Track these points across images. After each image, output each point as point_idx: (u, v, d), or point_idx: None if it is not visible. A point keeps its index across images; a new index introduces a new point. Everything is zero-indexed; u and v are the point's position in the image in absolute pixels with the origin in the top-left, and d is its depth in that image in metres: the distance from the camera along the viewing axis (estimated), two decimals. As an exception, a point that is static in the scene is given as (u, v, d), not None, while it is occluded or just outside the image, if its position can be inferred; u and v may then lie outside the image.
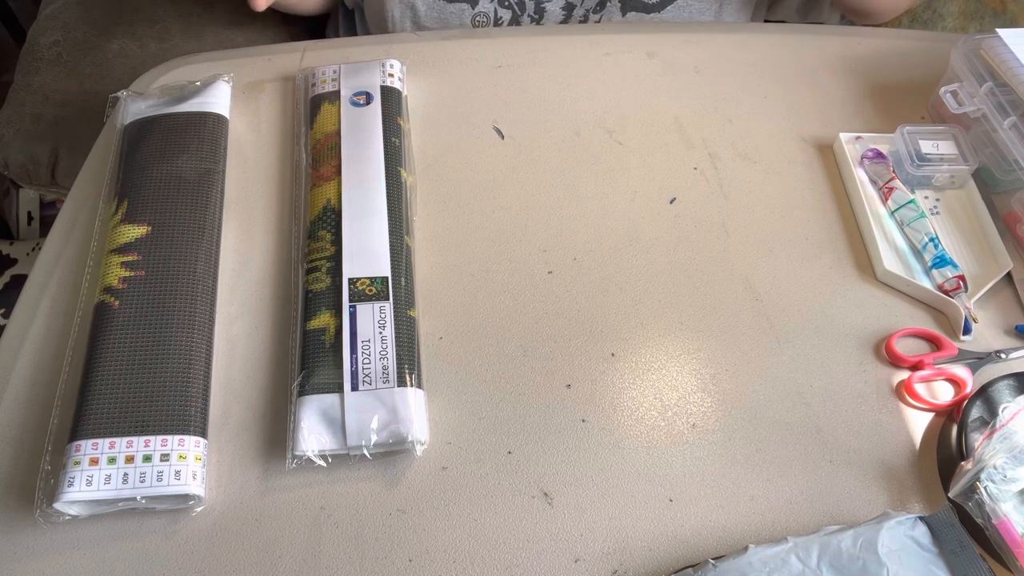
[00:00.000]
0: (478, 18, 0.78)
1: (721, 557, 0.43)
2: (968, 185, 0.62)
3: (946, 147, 0.62)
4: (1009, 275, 0.57)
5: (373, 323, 0.50)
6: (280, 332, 0.53)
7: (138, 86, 0.67)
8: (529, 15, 0.79)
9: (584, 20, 0.80)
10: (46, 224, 1.25)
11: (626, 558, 0.45)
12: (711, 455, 0.49)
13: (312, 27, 1.06)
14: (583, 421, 0.50)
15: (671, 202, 0.61)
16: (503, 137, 0.64)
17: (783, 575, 0.41)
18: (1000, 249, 0.58)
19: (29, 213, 1.25)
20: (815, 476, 0.48)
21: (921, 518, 0.44)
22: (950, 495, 0.45)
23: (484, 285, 0.56)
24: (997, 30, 0.62)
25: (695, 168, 0.63)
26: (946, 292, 0.55)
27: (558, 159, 0.63)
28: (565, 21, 0.80)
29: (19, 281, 1.15)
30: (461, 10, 0.77)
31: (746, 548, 0.43)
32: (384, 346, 0.49)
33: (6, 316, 1.11)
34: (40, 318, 0.53)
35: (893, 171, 0.61)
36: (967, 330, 0.54)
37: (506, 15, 0.78)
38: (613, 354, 0.53)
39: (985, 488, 0.44)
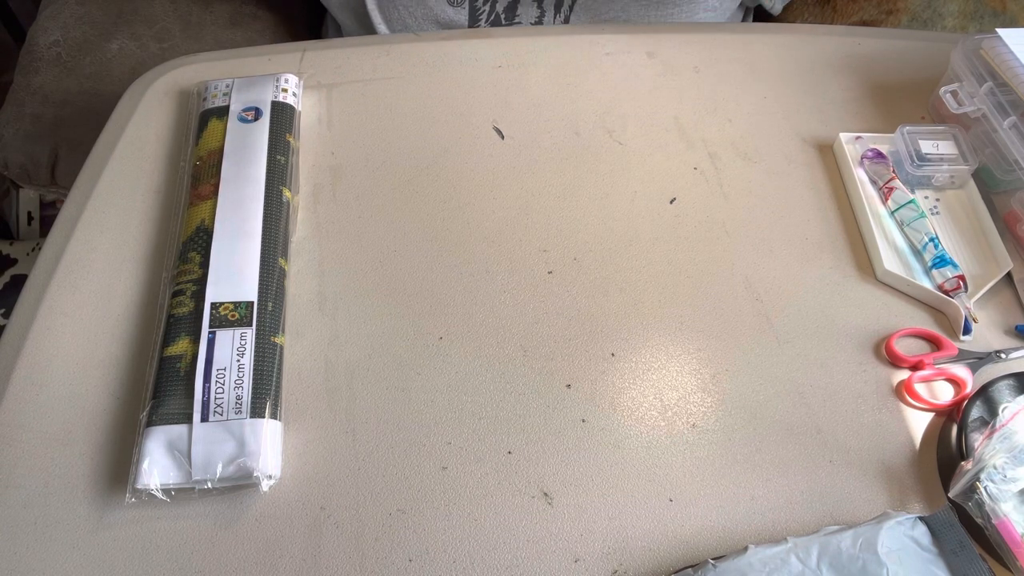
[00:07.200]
0: None
1: (721, 557, 0.43)
2: (968, 185, 0.62)
3: (946, 147, 0.62)
4: (1009, 275, 0.57)
5: (232, 350, 0.48)
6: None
7: (138, 86, 0.67)
8: None
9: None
10: (46, 224, 1.25)
11: (626, 558, 0.45)
12: (711, 455, 0.49)
13: (312, 27, 1.06)
14: (583, 421, 0.50)
15: (671, 202, 0.61)
16: (503, 137, 0.64)
17: (783, 575, 0.41)
18: (1000, 249, 0.58)
19: (29, 213, 1.25)
20: (815, 476, 0.48)
21: (921, 518, 0.44)
22: (950, 495, 0.45)
23: (484, 285, 0.56)
24: (997, 30, 0.62)
25: (695, 168, 0.63)
26: (946, 292, 0.55)
27: (558, 159, 0.63)
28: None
29: (19, 281, 1.15)
30: None
31: (746, 548, 0.43)
32: (240, 375, 0.47)
33: (6, 316, 1.11)
34: (40, 318, 0.53)
35: (893, 171, 0.61)
36: (967, 330, 0.54)
37: None
38: (613, 354, 0.53)
39: (985, 488, 0.44)
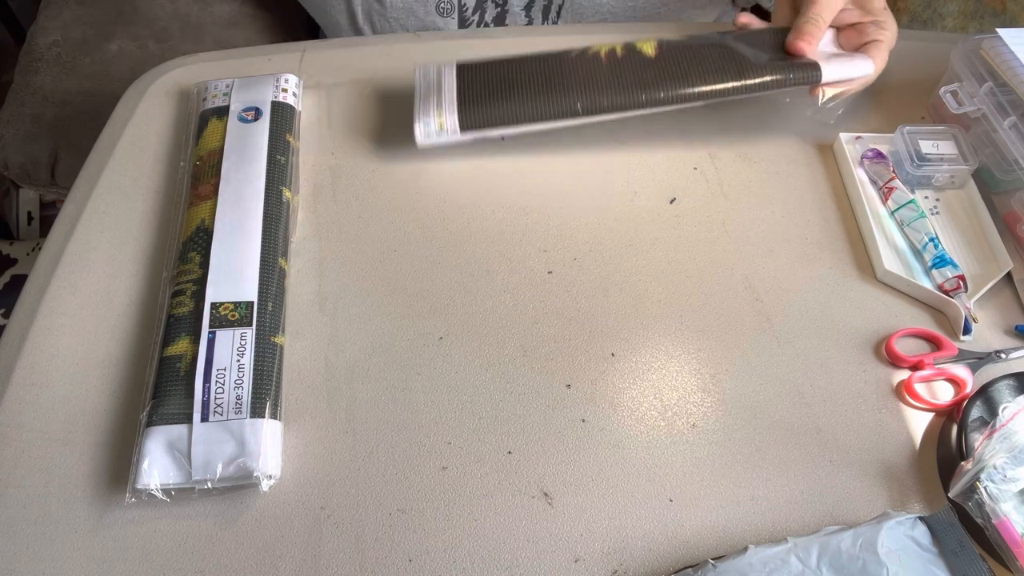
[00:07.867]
0: (442, 5, 0.78)
1: (721, 557, 0.43)
2: (968, 185, 0.62)
3: (946, 147, 0.62)
4: (1009, 275, 0.57)
5: (232, 350, 0.48)
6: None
7: (138, 87, 0.67)
8: (493, 1, 0.78)
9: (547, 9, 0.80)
10: (46, 224, 1.25)
11: (626, 558, 0.45)
12: (711, 455, 0.49)
13: (312, 27, 1.06)
14: (583, 421, 0.50)
15: (671, 202, 0.61)
16: (503, 137, 0.64)
17: (783, 575, 0.41)
18: (1000, 249, 0.58)
19: (29, 213, 1.25)
20: (815, 476, 0.48)
21: (921, 518, 0.44)
22: (950, 495, 0.45)
23: (484, 285, 0.56)
24: (997, 30, 0.62)
25: (695, 168, 0.63)
26: (946, 292, 0.55)
27: (557, 158, 0.63)
28: (527, 9, 0.80)
29: (19, 281, 1.15)
30: None
31: (746, 548, 0.43)
32: (241, 375, 0.47)
33: (6, 316, 1.11)
34: (40, 318, 0.53)
35: (893, 171, 0.61)
36: (967, 330, 0.54)
37: (471, 1, 0.78)
38: (613, 354, 0.53)
39: (985, 488, 0.44)
